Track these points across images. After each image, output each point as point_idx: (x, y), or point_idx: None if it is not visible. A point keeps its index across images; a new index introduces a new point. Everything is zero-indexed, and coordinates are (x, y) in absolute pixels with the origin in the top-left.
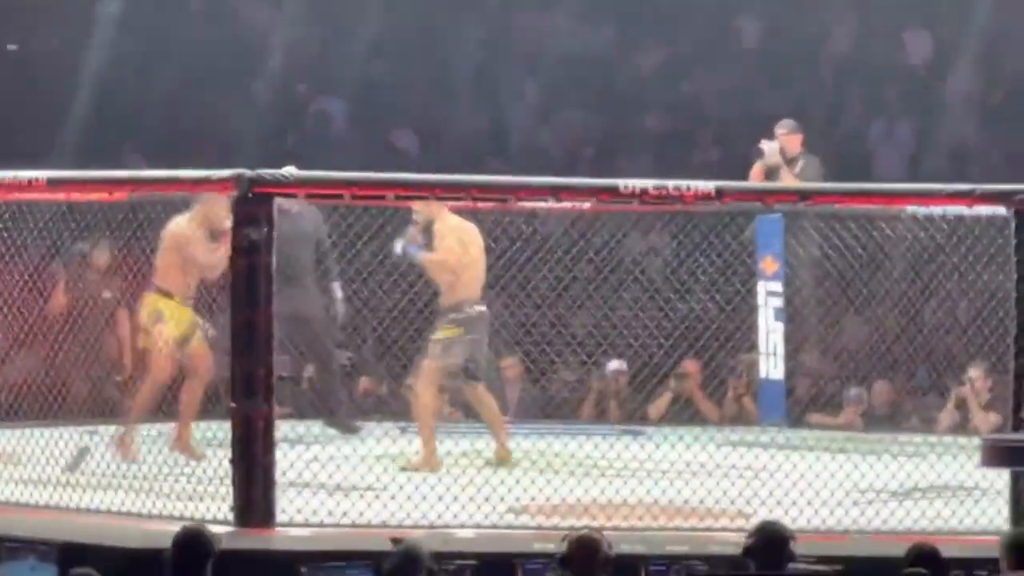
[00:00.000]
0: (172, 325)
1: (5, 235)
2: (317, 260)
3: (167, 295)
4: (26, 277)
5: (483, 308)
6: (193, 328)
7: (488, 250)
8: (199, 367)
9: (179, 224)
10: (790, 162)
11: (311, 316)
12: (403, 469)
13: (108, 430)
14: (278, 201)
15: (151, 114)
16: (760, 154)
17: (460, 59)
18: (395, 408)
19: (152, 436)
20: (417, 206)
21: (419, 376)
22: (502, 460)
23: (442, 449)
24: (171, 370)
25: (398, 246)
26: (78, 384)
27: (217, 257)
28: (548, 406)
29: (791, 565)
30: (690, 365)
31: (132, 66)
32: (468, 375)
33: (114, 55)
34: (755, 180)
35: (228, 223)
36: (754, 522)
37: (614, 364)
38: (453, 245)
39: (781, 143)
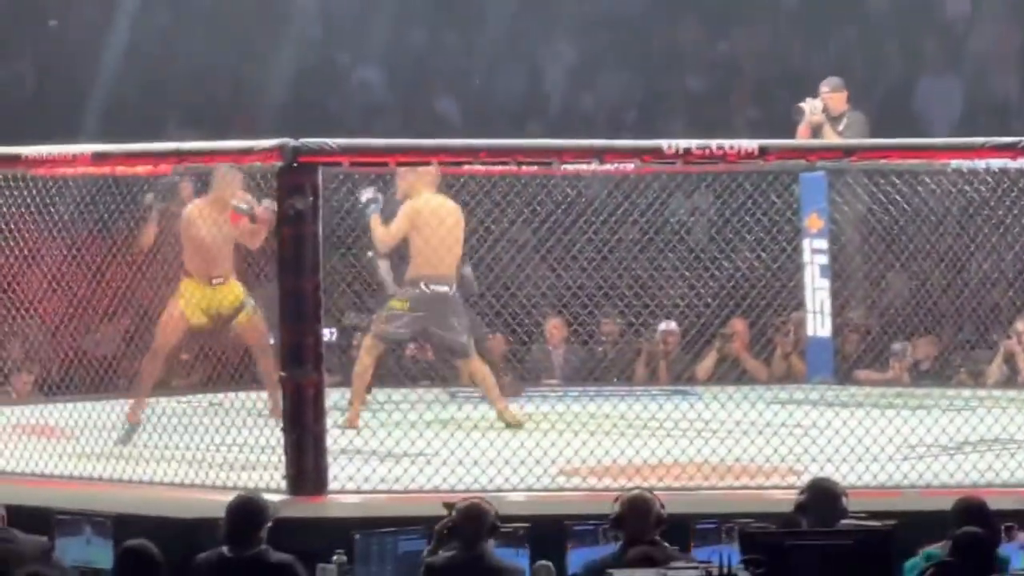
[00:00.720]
0: (183, 302)
1: (52, 210)
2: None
3: (188, 275)
4: (72, 251)
5: (443, 288)
6: (235, 304)
7: (533, 213)
8: (252, 340)
9: (189, 209)
10: (835, 120)
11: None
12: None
13: (160, 403)
14: None
15: (188, 86)
16: (799, 113)
17: (497, 23)
18: (443, 373)
19: (204, 407)
20: (403, 178)
21: (364, 339)
22: (510, 424)
23: (491, 413)
24: (174, 342)
25: (364, 195)
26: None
27: (227, 232)
28: (597, 368)
29: (843, 521)
30: (737, 324)
31: (169, 38)
32: (453, 353)
33: (149, 27)
34: (802, 139)
35: (235, 200)
36: (805, 479)
37: (664, 325)
38: (404, 228)
39: (825, 101)
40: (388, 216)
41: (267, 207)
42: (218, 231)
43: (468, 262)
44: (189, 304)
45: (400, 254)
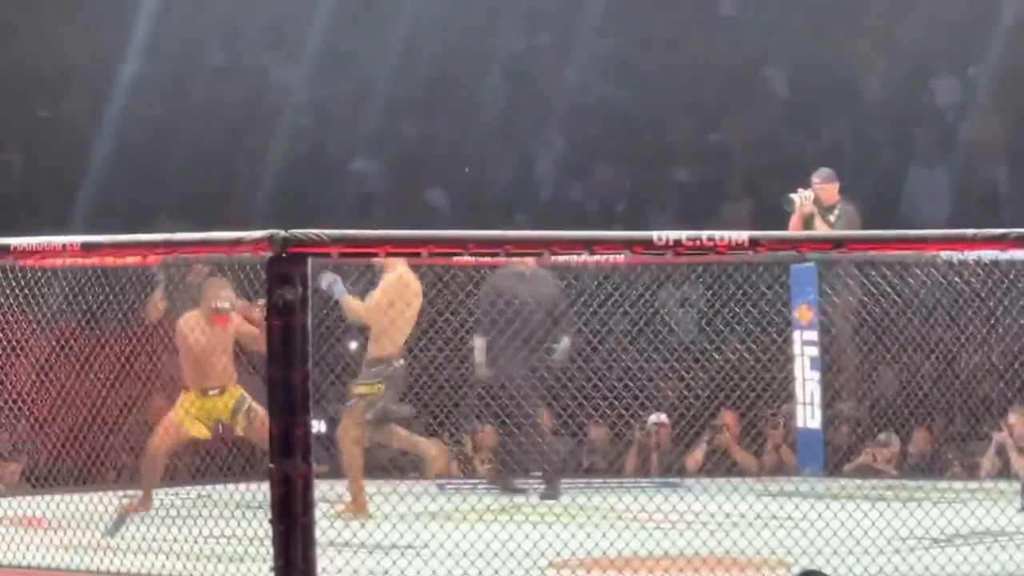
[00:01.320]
0: (182, 413)
1: (41, 301)
2: (554, 321)
3: (185, 387)
4: (60, 343)
5: (402, 362)
6: (233, 409)
7: (523, 305)
8: (258, 440)
9: (181, 321)
10: (827, 210)
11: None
12: (337, 516)
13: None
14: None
15: (179, 177)
16: (790, 203)
17: (488, 114)
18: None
19: (193, 498)
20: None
21: (345, 428)
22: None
23: (481, 505)
24: (170, 445)
25: (323, 281)
26: (116, 450)
27: (221, 340)
28: (585, 461)
29: None
30: (728, 416)
31: (161, 129)
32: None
33: (141, 117)
34: (794, 231)
35: (216, 302)
36: (795, 572)
37: (655, 417)
38: (383, 303)
39: (817, 192)
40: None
41: (257, 305)
42: (208, 341)
43: (569, 333)
44: (187, 416)
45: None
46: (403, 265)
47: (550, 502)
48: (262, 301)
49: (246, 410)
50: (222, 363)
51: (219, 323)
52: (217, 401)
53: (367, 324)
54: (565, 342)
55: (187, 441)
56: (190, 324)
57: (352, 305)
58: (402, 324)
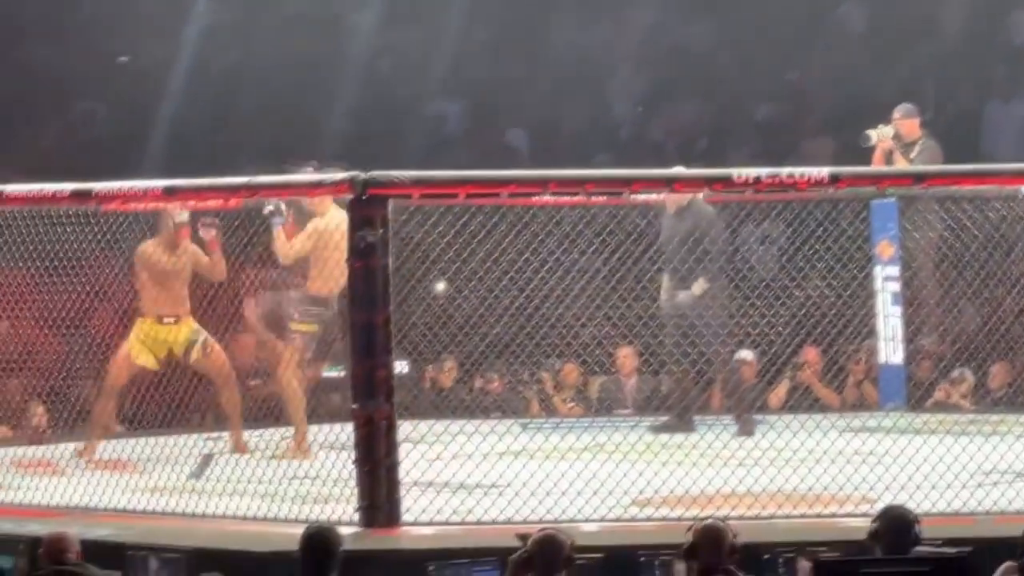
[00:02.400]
0: (132, 341)
1: (123, 246)
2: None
3: (140, 314)
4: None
5: (337, 308)
6: (189, 340)
7: (603, 244)
8: (212, 374)
9: (140, 248)
10: (908, 146)
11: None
12: (276, 458)
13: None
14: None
15: (257, 120)
16: (866, 139)
17: (565, 54)
18: (515, 405)
19: (276, 440)
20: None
21: (285, 365)
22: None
23: (563, 444)
24: (123, 382)
25: (267, 207)
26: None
27: (178, 263)
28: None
29: (917, 548)
30: (810, 353)
31: (235, 75)
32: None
33: (215, 64)
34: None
35: (176, 217)
36: (878, 508)
37: (742, 354)
38: (301, 248)
39: (897, 127)
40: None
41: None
42: (166, 268)
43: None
44: (135, 344)
45: None
46: (335, 208)
47: (744, 439)
48: (211, 220)
49: (202, 342)
50: (177, 291)
51: (183, 235)
52: (172, 329)
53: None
54: (696, 287)
55: (138, 373)
56: (148, 251)
57: (279, 241)
58: (333, 266)
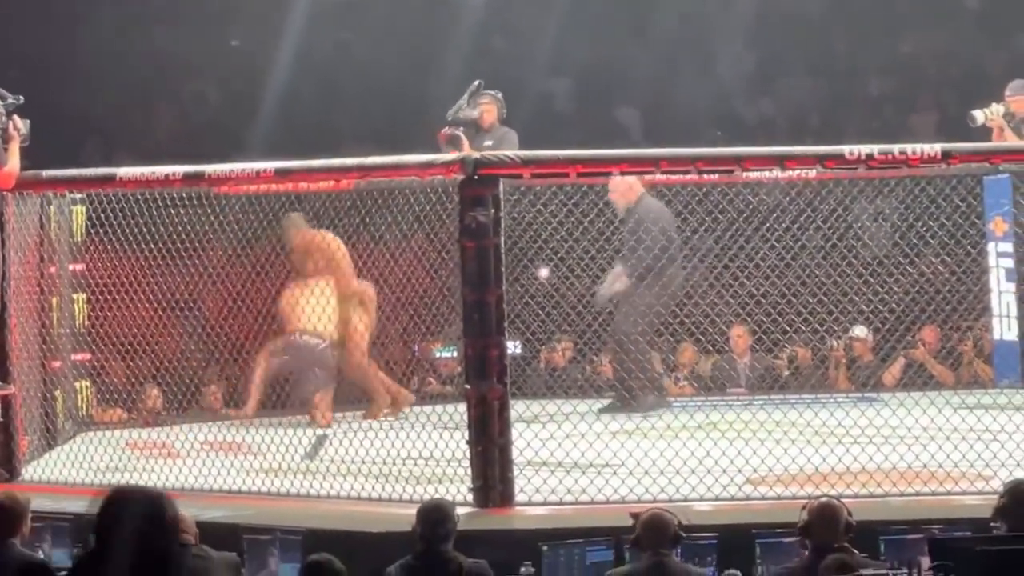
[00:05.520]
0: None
1: (236, 227)
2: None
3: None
4: (258, 269)
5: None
6: None
7: (715, 222)
8: None
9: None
10: (1021, 123)
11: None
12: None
13: (346, 417)
14: None
15: (366, 100)
16: (973, 120)
17: (675, 30)
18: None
19: (390, 420)
20: None
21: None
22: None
23: (676, 422)
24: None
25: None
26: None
27: None
28: (782, 377)
29: None
30: (927, 332)
31: (344, 54)
32: None
33: (324, 44)
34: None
35: None
36: (994, 484)
37: (857, 331)
38: None
39: (1010, 104)
40: None
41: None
42: None
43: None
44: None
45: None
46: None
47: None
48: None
49: None
50: None
51: None
52: None
53: None
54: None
55: None
56: None
57: None
58: None
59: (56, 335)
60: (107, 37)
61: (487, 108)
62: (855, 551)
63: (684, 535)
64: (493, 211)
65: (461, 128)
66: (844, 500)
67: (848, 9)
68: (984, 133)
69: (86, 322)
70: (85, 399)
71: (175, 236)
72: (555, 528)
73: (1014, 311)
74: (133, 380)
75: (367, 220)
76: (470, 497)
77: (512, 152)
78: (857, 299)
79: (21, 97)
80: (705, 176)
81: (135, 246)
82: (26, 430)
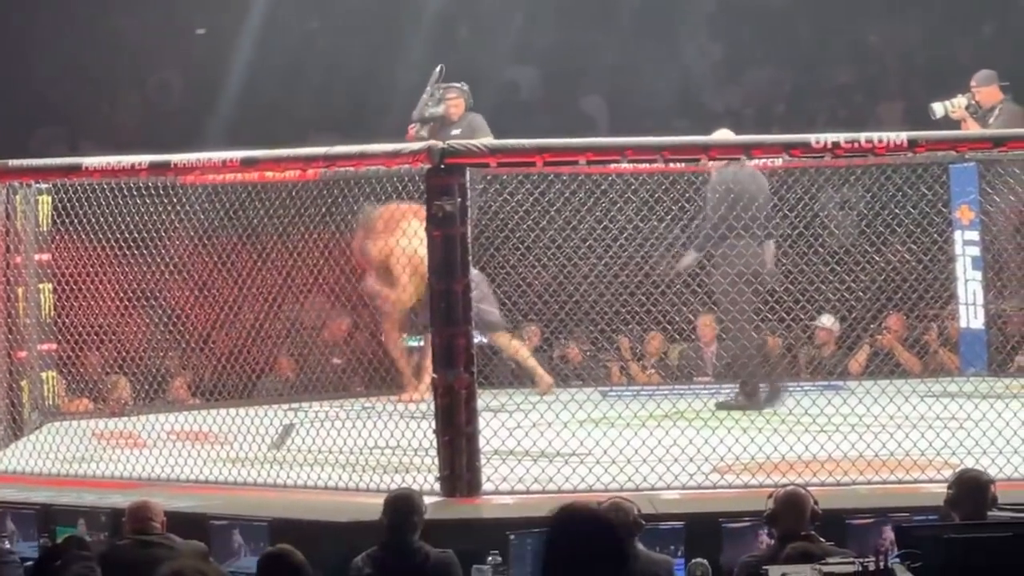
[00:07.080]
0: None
1: (202, 217)
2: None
3: None
4: (221, 258)
5: None
6: None
7: (681, 211)
8: None
9: None
10: (987, 112)
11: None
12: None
13: (311, 408)
14: None
15: (330, 90)
16: (933, 113)
17: (642, 20)
18: (595, 373)
19: (357, 410)
20: None
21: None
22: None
23: (643, 412)
24: None
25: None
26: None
27: None
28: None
29: (993, 512)
30: (892, 320)
31: (308, 44)
32: None
33: (289, 32)
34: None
35: None
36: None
37: (823, 320)
38: None
39: (976, 95)
40: None
41: None
42: None
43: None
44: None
45: None
46: None
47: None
48: None
49: None
50: None
51: None
52: None
53: None
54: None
55: None
56: None
57: None
58: None
59: (22, 325)
60: (72, 25)
61: (454, 103)
62: (821, 539)
63: (644, 523)
64: (459, 200)
65: (429, 126)
66: (811, 488)
67: (813, 1)
68: (945, 126)
69: (52, 312)
70: (51, 389)
71: (140, 226)
72: (522, 517)
73: (980, 299)
74: (99, 370)
75: (332, 210)
76: (437, 486)
77: (479, 141)
78: (824, 287)
79: None
80: (671, 165)
81: (100, 236)
82: None
